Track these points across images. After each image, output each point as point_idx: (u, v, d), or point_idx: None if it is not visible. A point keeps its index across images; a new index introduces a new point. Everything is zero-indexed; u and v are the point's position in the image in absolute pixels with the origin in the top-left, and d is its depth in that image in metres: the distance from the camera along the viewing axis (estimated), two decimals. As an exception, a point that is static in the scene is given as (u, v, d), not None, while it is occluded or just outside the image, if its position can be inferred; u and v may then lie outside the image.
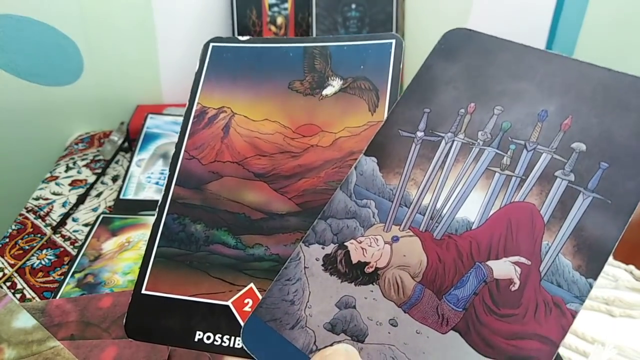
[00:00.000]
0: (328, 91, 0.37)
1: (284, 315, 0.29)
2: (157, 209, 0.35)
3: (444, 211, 0.29)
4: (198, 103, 0.38)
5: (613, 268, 0.70)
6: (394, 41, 0.37)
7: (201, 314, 0.32)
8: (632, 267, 0.69)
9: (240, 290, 0.32)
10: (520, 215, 0.27)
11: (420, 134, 0.31)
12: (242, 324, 0.31)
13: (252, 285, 0.32)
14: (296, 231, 0.33)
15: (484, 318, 0.26)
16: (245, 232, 0.34)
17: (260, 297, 0.32)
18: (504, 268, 0.26)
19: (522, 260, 0.26)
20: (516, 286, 0.26)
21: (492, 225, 0.28)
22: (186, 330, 0.32)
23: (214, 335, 0.31)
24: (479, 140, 0.30)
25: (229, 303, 0.32)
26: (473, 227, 0.28)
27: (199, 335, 0.31)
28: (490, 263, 0.27)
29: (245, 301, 0.32)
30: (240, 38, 0.40)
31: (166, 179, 0.36)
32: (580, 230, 0.26)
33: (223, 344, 0.31)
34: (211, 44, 0.40)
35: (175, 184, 0.36)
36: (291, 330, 0.29)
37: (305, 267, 0.30)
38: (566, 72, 0.30)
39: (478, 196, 0.29)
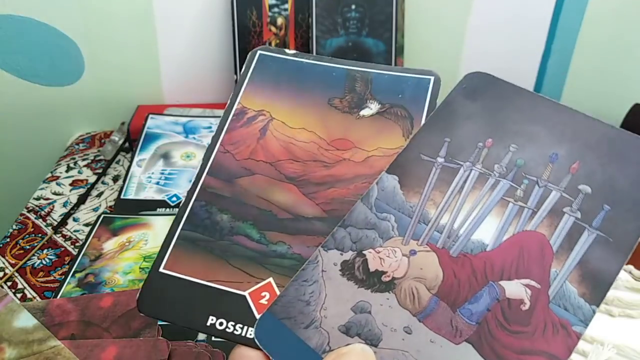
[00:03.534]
0: (365, 112, 0.39)
1: (298, 314, 0.30)
2: (185, 194, 0.36)
3: (461, 231, 0.31)
4: (239, 103, 0.40)
5: (612, 268, 0.69)
6: (432, 78, 0.39)
7: (217, 300, 0.32)
8: (631, 267, 0.68)
9: (258, 282, 0.32)
10: (532, 243, 0.30)
11: (440, 159, 0.34)
12: (256, 315, 0.31)
13: (271, 279, 0.33)
14: (320, 235, 0.34)
15: (496, 332, 0.27)
16: (270, 228, 0.34)
17: (277, 292, 0.32)
18: (515, 289, 0.28)
19: (533, 283, 0.28)
20: (526, 306, 0.28)
21: (505, 249, 0.30)
22: (199, 314, 0.32)
23: (227, 322, 0.31)
24: (495, 172, 0.32)
25: (245, 293, 0.32)
26: (487, 249, 0.30)
27: (212, 320, 0.31)
28: (502, 283, 0.29)
29: (263, 294, 0.32)
30: (287, 51, 0.42)
31: (198, 167, 0.37)
32: (585, 262, 0.28)
33: (235, 332, 0.31)
34: (259, 52, 0.42)
35: (207, 174, 0.37)
36: (305, 330, 0.30)
37: (323, 271, 0.31)
38: (575, 123, 0.33)
39: (493, 221, 0.31)
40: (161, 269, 0.33)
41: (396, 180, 0.34)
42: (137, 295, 0.32)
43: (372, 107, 0.39)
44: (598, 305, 0.27)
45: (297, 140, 0.38)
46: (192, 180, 0.37)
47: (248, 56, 0.42)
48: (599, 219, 0.29)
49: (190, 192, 0.36)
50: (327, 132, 0.38)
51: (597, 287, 0.28)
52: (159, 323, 0.50)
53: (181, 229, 0.35)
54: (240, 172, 0.37)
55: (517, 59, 1.20)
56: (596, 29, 1.15)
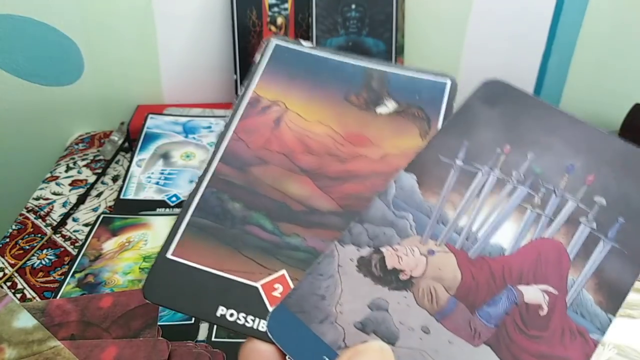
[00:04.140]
0: (382, 110, 0.38)
1: (313, 309, 0.29)
2: (197, 180, 0.35)
3: (479, 234, 0.31)
4: (253, 92, 0.39)
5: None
6: (449, 82, 0.39)
7: (228, 290, 0.31)
8: None
9: (271, 274, 0.32)
10: (549, 250, 0.30)
11: (459, 162, 0.34)
12: (269, 307, 0.30)
13: (284, 271, 0.32)
14: (335, 229, 0.33)
15: (515, 336, 0.28)
16: (284, 220, 0.34)
17: (291, 285, 0.31)
18: (533, 294, 0.29)
19: (550, 289, 0.29)
20: (544, 312, 0.28)
21: (523, 254, 0.30)
22: (209, 303, 0.31)
23: (238, 314, 0.30)
24: (513, 178, 0.33)
25: (258, 285, 0.31)
26: (506, 254, 0.30)
27: (222, 310, 0.30)
28: (521, 287, 0.29)
29: (275, 286, 0.31)
30: (304, 43, 0.41)
31: (210, 154, 0.36)
32: (601, 272, 0.29)
33: (247, 323, 0.30)
34: (274, 42, 0.41)
35: (220, 161, 0.35)
36: (320, 325, 0.29)
37: (339, 266, 0.31)
38: (589, 137, 0.34)
39: (511, 227, 0.31)
40: (169, 255, 0.32)
41: (414, 179, 0.34)
42: (143, 282, 0.31)
43: (389, 106, 0.39)
44: (614, 314, 0.28)
45: (313, 133, 0.37)
46: (204, 167, 0.35)
47: (263, 45, 0.41)
48: (614, 231, 0.30)
49: (201, 178, 0.35)
50: (343, 127, 0.38)
51: (612, 296, 0.28)
52: (159, 323, 0.49)
53: (191, 215, 0.34)
54: (253, 161, 0.36)
55: (518, 58, 1.21)
56: (597, 27, 1.16)
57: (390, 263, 0.31)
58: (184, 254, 0.32)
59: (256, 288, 0.31)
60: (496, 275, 0.30)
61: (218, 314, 0.30)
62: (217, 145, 0.36)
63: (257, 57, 0.41)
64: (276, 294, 0.31)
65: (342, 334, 0.29)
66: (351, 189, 0.35)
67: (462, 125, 0.36)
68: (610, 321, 0.28)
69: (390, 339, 0.29)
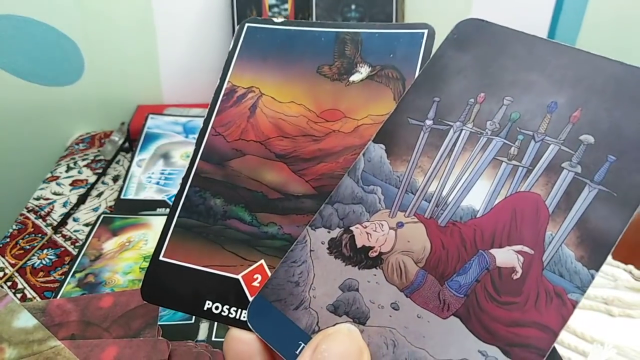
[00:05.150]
0: (355, 78, 0.36)
1: (288, 296, 0.30)
2: (181, 181, 0.36)
3: (450, 199, 0.29)
4: (229, 82, 0.39)
5: (612, 268, 0.69)
6: (426, 31, 0.36)
7: (212, 284, 0.33)
8: (631, 267, 0.68)
9: (251, 265, 0.33)
10: (525, 205, 0.27)
11: (429, 122, 0.31)
12: (250, 298, 0.32)
13: (262, 261, 0.33)
14: (310, 213, 0.33)
15: (485, 305, 0.26)
16: (261, 210, 0.34)
17: (269, 274, 0.32)
18: (506, 256, 0.26)
19: (525, 249, 0.26)
20: (518, 275, 0.26)
21: (496, 214, 0.28)
22: (196, 299, 0.33)
23: (222, 306, 0.32)
24: (487, 130, 0.30)
25: (239, 277, 0.33)
26: (478, 216, 0.28)
27: (208, 304, 0.32)
28: (493, 251, 0.27)
29: (255, 276, 0.32)
30: (275, 20, 0.40)
31: (192, 152, 0.37)
32: (584, 222, 0.26)
33: (230, 315, 0.32)
34: (246, 24, 0.40)
35: (200, 159, 0.36)
36: (295, 311, 0.29)
37: (311, 250, 0.31)
38: (578, 64, 0.29)
39: (484, 185, 0.28)
40: (161, 257, 0.34)
41: (383, 149, 0.32)
42: (141, 284, 0.34)
43: (362, 71, 0.37)
44: (597, 270, 0.25)
45: (287, 115, 0.37)
46: (187, 167, 0.37)
47: (236, 30, 0.40)
48: (602, 172, 0.26)
49: (185, 179, 0.36)
50: (316, 104, 0.37)
51: (597, 249, 0.25)
52: (159, 323, 0.51)
53: (178, 216, 0.35)
54: (231, 154, 0.37)
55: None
56: (598, 26, 1.11)
57: (359, 241, 0.30)
58: (174, 254, 0.34)
59: (237, 280, 0.33)
60: (467, 241, 0.28)
61: (205, 308, 0.32)
62: (198, 143, 0.37)
63: (231, 44, 0.40)
64: (255, 284, 0.32)
65: (316, 318, 0.29)
66: (325, 168, 0.35)
67: (433, 79, 0.33)
68: (592, 278, 0.25)
69: (362, 319, 0.28)
